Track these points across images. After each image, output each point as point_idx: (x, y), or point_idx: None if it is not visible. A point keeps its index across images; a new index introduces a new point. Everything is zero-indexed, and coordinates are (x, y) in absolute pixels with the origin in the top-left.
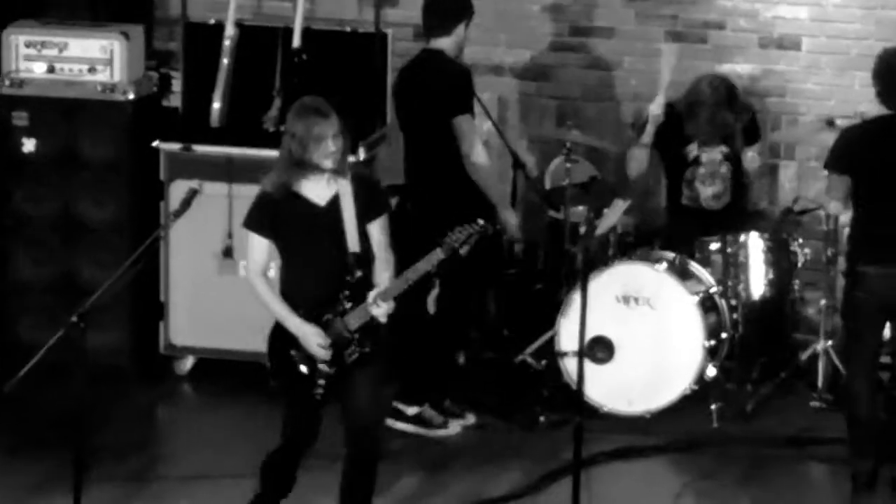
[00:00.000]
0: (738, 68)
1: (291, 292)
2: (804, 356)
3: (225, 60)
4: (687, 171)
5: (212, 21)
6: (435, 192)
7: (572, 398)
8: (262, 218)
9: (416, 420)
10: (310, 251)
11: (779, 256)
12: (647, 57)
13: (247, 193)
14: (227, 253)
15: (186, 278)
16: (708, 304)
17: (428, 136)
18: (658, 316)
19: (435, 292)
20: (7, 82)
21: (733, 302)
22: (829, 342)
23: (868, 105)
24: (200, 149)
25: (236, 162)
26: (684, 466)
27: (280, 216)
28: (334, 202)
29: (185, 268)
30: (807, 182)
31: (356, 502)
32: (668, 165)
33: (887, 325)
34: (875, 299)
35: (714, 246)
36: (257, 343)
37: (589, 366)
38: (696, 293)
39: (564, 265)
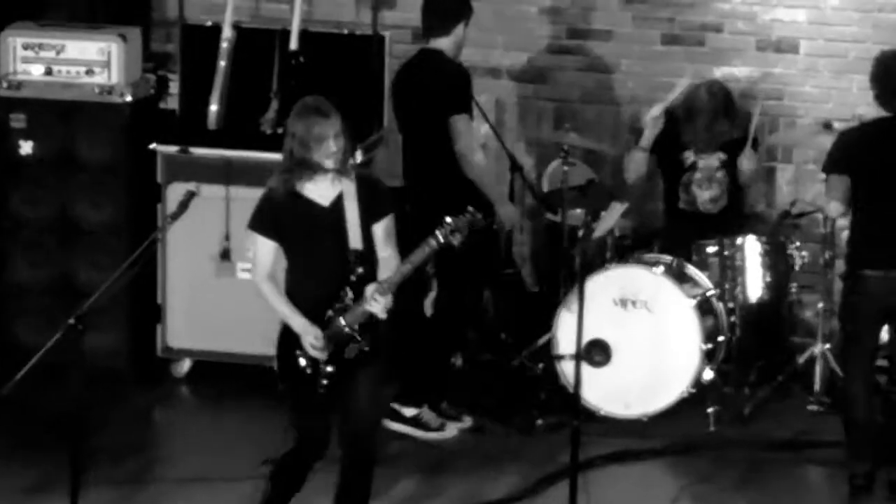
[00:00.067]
0: (736, 71)
1: (296, 292)
2: (801, 359)
3: (222, 63)
4: (684, 175)
5: (209, 23)
6: (433, 192)
7: (569, 401)
8: (266, 219)
9: (414, 422)
10: (314, 251)
11: (776, 259)
12: (644, 59)
13: (244, 196)
14: (225, 255)
15: (184, 281)
16: (705, 308)
17: (426, 135)
18: (655, 319)
19: (432, 295)
20: (4, 84)
21: (730, 305)
22: (827, 345)
23: (866, 108)
24: (198, 151)
25: (234, 164)
26: (681, 470)
27: (284, 217)
28: (338, 202)
29: (182, 270)
30: (804, 185)
31: None
32: (665, 170)
33: (884, 328)
34: (875, 302)
35: (711, 249)
36: (255, 345)
37: (586, 369)
38: (694, 296)
39: (562, 268)
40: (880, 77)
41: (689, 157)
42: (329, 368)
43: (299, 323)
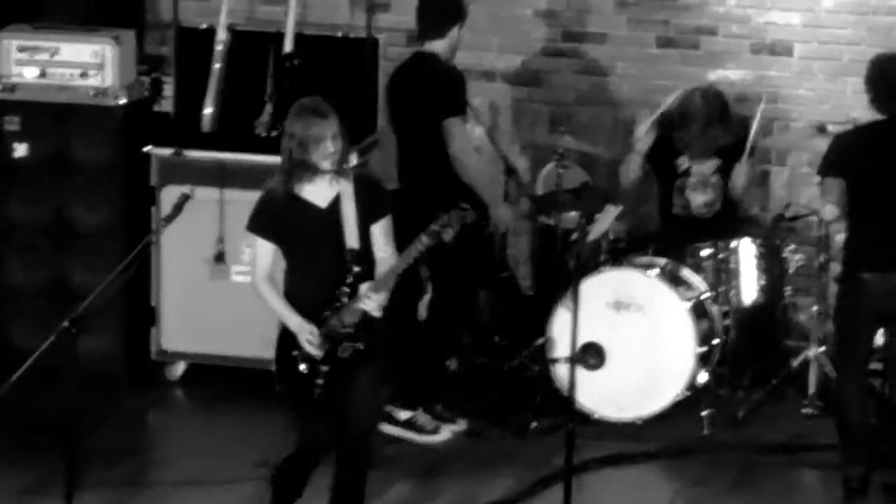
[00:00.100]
0: (731, 74)
1: (295, 294)
2: (796, 362)
3: (217, 65)
4: (678, 180)
5: (203, 26)
6: (428, 195)
7: (564, 404)
8: (264, 221)
9: (408, 425)
10: (312, 253)
11: (770, 262)
12: (639, 62)
13: (238, 198)
14: (219, 258)
15: (178, 283)
16: (699, 311)
17: (420, 138)
18: (650, 322)
19: (427, 297)
20: None
21: (725, 308)
22: (821, 349)
23: (860, 111)
24: (192, 154)
25: (228, 167)
26: (675, 473)
27: (282, 219)
28: (335, 203)
29: (176, 273)
30: (799, 188)
31: None
32: (659, 175)
33: (878, 331)
34: (872, 305)
35: (706, 252)
36: (249, 348)
37: (580, 372)
38: (688, 299)
39: (556, 271)
40: (875, 80)
41: (684, 162)
42: (324, 368)
43: (295, 322)
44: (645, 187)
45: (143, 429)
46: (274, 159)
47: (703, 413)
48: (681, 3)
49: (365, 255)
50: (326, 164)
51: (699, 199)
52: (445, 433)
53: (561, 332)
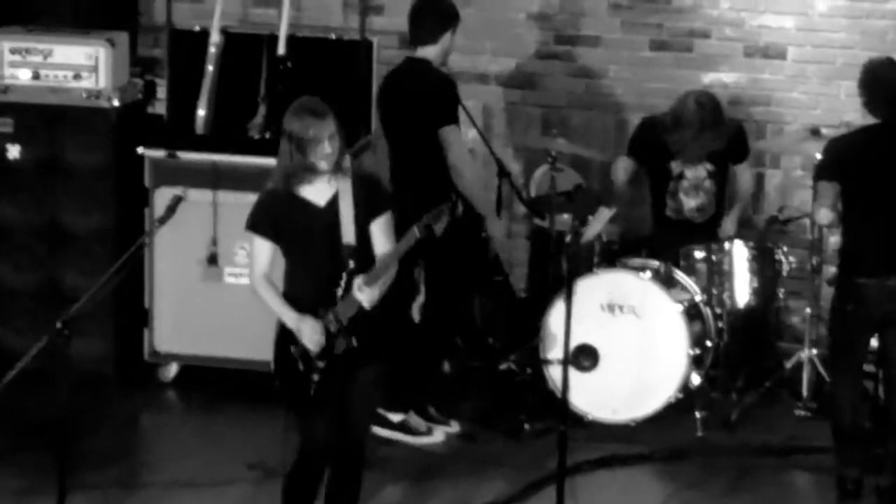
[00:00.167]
0: (724, 77)
1: (293, 292)
2: (789, 365)
3: (210, 67)
4: (671, 183)
5: (197, 28)
6: (420, 199)
7: (557, 406)
8: (263, 220)
9: (401, 427)
10: (310, 251)
11: (763, 265)
12: (632, 66)
13: (232, 200)
14: (212, 260)
15: (171, 285)
16: (693, 313)
17: (413, 145)
18: (643, 324)
19: (420, 300)
20: None
21: (718, 310)
22: (814, 351)
23: (853, 114)
24: (185, 156)
25: (221, 169)
26: (669, 475)
27: (281, 217)
28: (334, 201)
29: (169, 275)
30: (792, 191)
31: None
32: (652, 178)
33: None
34: (871, 310)
35: (699, 254)
36: (242, 350)
37: (574, 374)
38: (681, 301)
39: (549, 273)
40: (869, 84)
41: (677, 166)
42: (320, 364)
43: (293, 318)
44: (638, 190)
45: (135, 430)
46: (267, 161)
47: (697, 415)
48: (674, 7)
49: (361, 251)
50: (324, 165)
51: (691, 203)
52: (439, 435)
53: (554, 332)
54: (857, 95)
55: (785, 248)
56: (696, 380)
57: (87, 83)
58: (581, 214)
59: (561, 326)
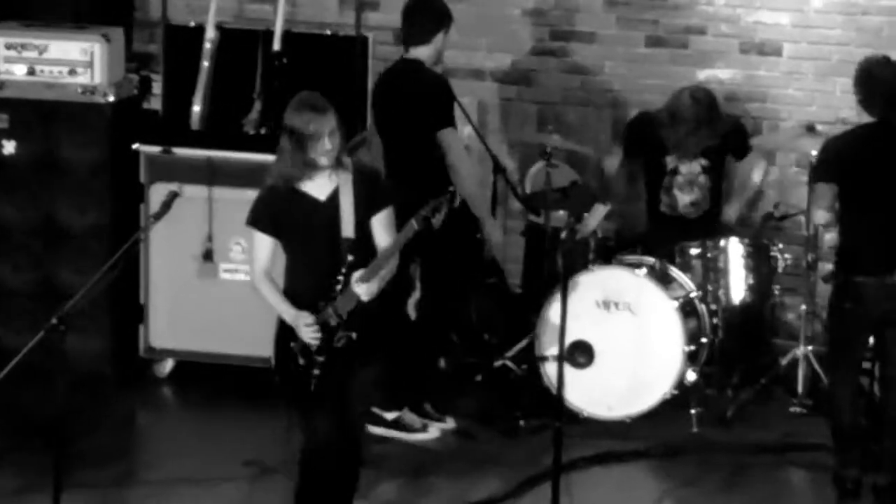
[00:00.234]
0: (720, 74)
1: (294, 287)
2: (784, 361)
3: (205, 63)
4: (665, 179)
5: (192, 24)
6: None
7: (552, 403)
8: (264, 215)
9: (396, 424)
10: (310, 245)
11: (759, 262)
12: (628, 62)
13: (227, 196)
14: (208, 256)
15: (166, 281)
16: (688, 309)
17: (408, 146)
18: (638, 321)
19: (416, 296)
20: None
21: (713, 307)
22: (809, 347)
23: (849, 111)
24: (180, 151)
25: (216, 165)
26: (664, 472)
27: (282, 212)
28: (334, 196)
29: (164, 270)
30: (787, 187)
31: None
32: (647, 173)
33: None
34: (870, 309)
35: (694, 251)
36: (237, 346)
37: (569, 370)
38: (676, 298)
39: (545, 270)
40: (864, 82)
41: (671, 162)
42: (320, 359)
43: (291, 314)
44: (633, 187)
45: (131, 426)
46: (263, 157)
47: (692, 412)
48: (670, 3)
49: (361, 244)
50: (324, 160)
51: (686, 199)
52: (434, 431)
53: (550, 329)
54: (852, 92)
55: (780, 245)
56: (691, 376)
57: (82, 79)
58: (576, 211)
59: (556, 323)
